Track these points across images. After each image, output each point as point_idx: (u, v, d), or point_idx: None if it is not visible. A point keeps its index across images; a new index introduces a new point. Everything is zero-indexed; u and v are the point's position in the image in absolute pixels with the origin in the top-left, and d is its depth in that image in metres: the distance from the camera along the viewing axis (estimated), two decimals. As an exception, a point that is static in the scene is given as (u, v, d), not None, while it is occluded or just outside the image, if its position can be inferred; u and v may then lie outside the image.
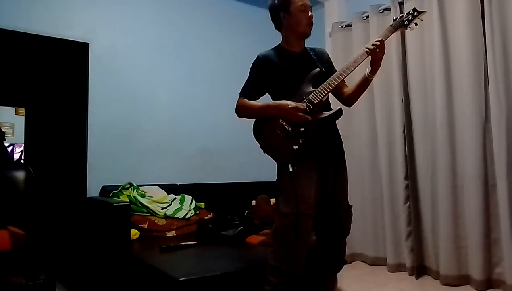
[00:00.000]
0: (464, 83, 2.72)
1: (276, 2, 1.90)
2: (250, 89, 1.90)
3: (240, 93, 1.91)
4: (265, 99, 1.92)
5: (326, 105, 1.86)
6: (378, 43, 1.75)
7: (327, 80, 1.78)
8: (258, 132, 1.84)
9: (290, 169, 1.72)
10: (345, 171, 1.93)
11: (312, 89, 1.79)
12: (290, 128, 1.76)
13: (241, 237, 2.64)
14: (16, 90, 2.79)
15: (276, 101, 1.82)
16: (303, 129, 1.74)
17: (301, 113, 1.73)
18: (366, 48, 1.77)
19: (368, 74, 1.83)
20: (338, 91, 1.96)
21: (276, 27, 1.97)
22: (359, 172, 3.36)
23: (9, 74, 2.74)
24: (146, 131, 3.29)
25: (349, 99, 1.97)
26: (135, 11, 3.31)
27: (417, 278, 2.91)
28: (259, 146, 1.83)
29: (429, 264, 2.95)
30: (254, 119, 1.86)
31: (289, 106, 1.74)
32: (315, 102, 1.75)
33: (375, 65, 1.80)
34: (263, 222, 2.94)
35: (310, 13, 1.88)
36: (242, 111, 1.88)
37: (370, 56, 1.78)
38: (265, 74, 1.89)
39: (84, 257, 2.67)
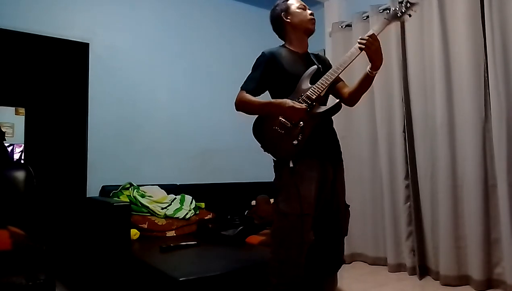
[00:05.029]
0: (464, 83, 2.72)
1: (277, 8, 1.97)
2: (254, 84, 1.87)
3: (241, 86, 1.87)
4: (264, 97, 1.89)
5: (324, 104, 1.86)
6: (368, 37, 1.72)
7: (324, 76, 1.78)
8: (257, 131, 1.83)
9: (291, 165, 1.71)
10: (343, 170, 1.93)
11: (310, 85, 1.79)
12: (289, 125, 1.75)
13: (241, 237, 2.64)
14: (16, 90, 2.79)
15: (277, 99, 1.80)
16: (302, 124, 1.74)
17: (298, 108, 1.70)
18: (359, 43, 1.74)
19: (369, 71, 1.80)
20: (338, 92, 1.95)
21: (280, 36, 2.00)
22: (359, 172, 3.36)
23: (9, 74, 2.75)
24: (146, 131, 3.29)
25: (351, 99, 1.94)
26: (135, 11, 3.31)
27: (417, 279, 2.90)
28: (259, 145, 1.82)
29: (429, 264, 2.95)
30: (254, 119, 1.85)
31: (287, 105, 1.71)
32: (313, 97, 1.75)
33: (372, 60, 1.77)
34: (263, 222, 2.94)
35: (309, 12, 1.95)
36: (242, 105, 1.85)
37: (364, 51, 1.74)
38: (270, 71, 1.88)
39: (84, 257, 2.67)
